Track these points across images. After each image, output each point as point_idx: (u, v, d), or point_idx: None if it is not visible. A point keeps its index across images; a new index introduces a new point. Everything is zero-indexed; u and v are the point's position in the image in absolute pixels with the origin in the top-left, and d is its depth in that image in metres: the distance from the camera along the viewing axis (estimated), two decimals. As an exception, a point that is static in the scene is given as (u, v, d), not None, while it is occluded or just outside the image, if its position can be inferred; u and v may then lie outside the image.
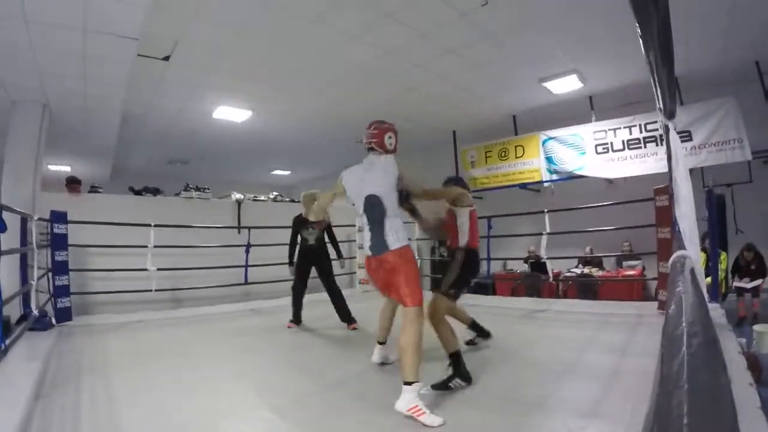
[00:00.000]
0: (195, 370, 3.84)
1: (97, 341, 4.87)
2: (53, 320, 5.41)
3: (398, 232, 3.04)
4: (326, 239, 5.96)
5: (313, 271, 5.88)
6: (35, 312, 5.01)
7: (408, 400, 2.68)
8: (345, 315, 5.62)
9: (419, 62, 7.00)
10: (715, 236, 5.33)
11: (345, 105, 8.87)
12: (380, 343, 3.96)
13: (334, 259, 6.09)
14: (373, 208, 3.07)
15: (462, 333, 4.13)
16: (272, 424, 2.73)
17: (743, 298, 7.23)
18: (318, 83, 7.78)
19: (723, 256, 6.81)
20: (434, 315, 3.48)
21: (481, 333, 4.44)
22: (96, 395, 3.16)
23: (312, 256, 5.81)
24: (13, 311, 5.10)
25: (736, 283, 7.31)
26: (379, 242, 3.03)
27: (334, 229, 6.11)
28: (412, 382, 2.72)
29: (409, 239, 3.37)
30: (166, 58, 6.40)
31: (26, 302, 5.16)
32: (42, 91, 6.62)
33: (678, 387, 0.78)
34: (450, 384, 3.26)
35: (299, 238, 5.88)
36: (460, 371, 3.32)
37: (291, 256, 5.89)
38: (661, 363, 1.14)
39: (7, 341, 3.94)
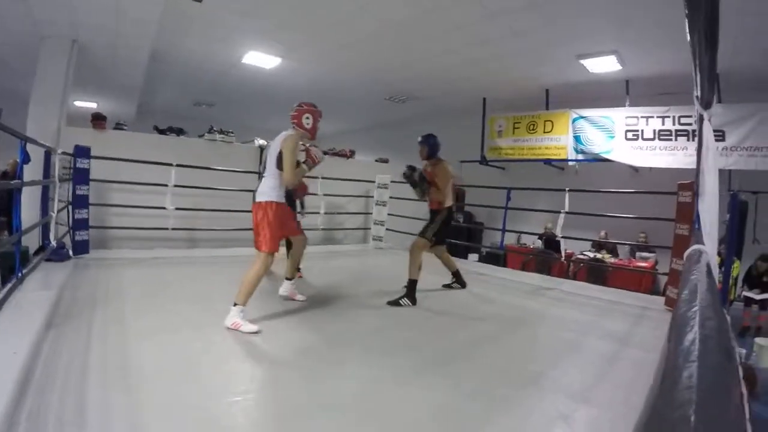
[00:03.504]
0: (207, 310, 3.91)
1: (112, 275, 4.97)
2: (70, 252, 5.55)
3: (271, 189, 3.72)
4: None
5: None
6: (53, 243, 5.12)
7: (231, 317, 3.40)
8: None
9: (457, 24, 6.78)
10: (732, 241, 5.19)
11: (378, 60, 8.73)
12: (287, 279, 4.48)
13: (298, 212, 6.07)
14: (265, 165, 3.82)
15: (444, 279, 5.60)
16: (272, 369, 2.84)
17: (750, 309, 7.15)
18: (352, 36, 7.60)
19: (736, 263, 6.68)
20: (413, 249, 4.82)
21: (459, 281, 5.59)
22: (107, 327, 3.23)
23: None
24: (32, 242, 5.25)
25: (746, 293, 7.21)
26: (257, 192, 3.76)
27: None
28: (237, 304, 3.43)
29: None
30: (200, 0, 6.32)
31: (45, 234, 5.28)
32: (72, 26, 6.62)
33: (689, 361, 0.78)
34: (400, 302, 4.54)
35: None
36: (410, 295, 4.61)
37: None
38: (669, 340, 1.13)
39: (24, 270, 4.06)
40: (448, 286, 5.60)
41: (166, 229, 6.85)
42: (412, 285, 4.68)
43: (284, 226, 3.90)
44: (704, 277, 1.65)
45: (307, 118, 3.89)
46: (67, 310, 3.51)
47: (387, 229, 9.19)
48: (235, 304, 3.45)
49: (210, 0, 6.32)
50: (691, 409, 0.57)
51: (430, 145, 5.06)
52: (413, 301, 4.61)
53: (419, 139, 5.13)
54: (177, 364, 2.71)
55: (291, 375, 2.75)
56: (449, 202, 5.04)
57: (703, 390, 0.62)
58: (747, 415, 2.18)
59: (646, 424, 0.77)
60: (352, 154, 10.23)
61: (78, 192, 5.81)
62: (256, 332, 3.33)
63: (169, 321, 3.53)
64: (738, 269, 7.03)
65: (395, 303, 4.54)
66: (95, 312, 3.55)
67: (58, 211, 5.30)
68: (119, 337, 3.05)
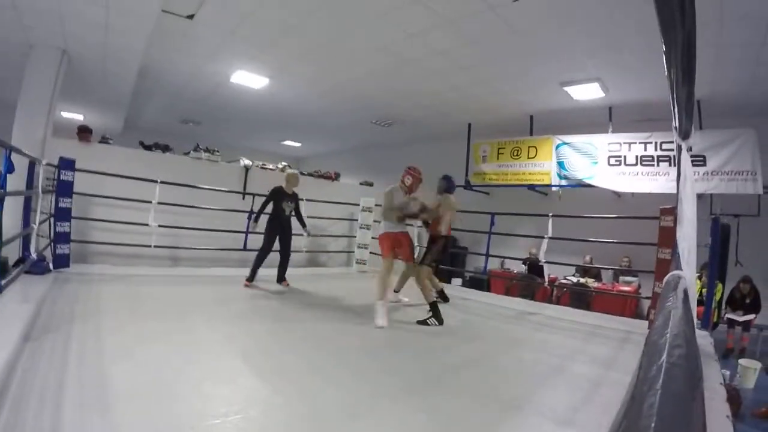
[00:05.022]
0: (186, 329, 3.89)
1: (92, 290, 4.91)
2: (50, 265, 5.45)
3: (385, 225, 5.30)
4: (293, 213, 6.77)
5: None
6: (34, 256, 5.05)
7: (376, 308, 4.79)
8: (282, 274, 6.70)
9: (442, 49, 6.89)
10: (715, 264, 5.28)
11: (364, 84, 8.82)
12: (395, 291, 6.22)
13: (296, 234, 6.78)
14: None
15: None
16: (253, 391, 2.79)
17: (733, 331, 7.23)
18: (339, 59, 7.71)
19: (719, 286, 6.78)
20: (418, 277, 5.44)
21: (442, 297, 6.38)
22: (85, 343, 3.18)
23: (283, 225, 6.56)
24: (11, 253, 5.15)
25: (729, 315, 7.29)
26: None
27: None
28: (378, 300, 4.85)
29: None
30: (191, 17, 6.35)
31: (26, 245, 5.18)
32: (62, 36, 6.60)
33: (652, 391, 0.79)
34: (428, 321, 5.01)
35: (271, 207, 6.54)
36: (436, 315, 5.06)
37: (259, 215, 6.44)
38: (639, 367, 1.16)
39: (3, 282, 3.98)
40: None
41: (149, 246, 6.80)
42: (433, 306, 5.12)
43: (397, 247, 5.31)
44: (680, 304, 1.68)
45: (408, 178, 5.24)
46: (45, 324, 3.46)
47: (371, 253, 9.16)
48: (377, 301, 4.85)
49: (199, 18, 6.36)
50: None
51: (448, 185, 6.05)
52: (440, 321, 5.03)
53: (442, 176, 6.11)
54: (154, 384, 2.66)
55: (271, 398, 2.72)
56: (444, 231, 5.84)
57: (662, 418, 0.64)
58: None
59: None
60: (336, 176, 10.25)
61: (61, 204, 5.76)
62: (380, 327, 4.58)
63: (147, 340, 3.47)
64: (721, 292, 7.12)
65: (423, 323, 5.00)
66: (73, 327, 3.49)
67: (40, 223, 5.23)
68: (96, 355, 3.00)
